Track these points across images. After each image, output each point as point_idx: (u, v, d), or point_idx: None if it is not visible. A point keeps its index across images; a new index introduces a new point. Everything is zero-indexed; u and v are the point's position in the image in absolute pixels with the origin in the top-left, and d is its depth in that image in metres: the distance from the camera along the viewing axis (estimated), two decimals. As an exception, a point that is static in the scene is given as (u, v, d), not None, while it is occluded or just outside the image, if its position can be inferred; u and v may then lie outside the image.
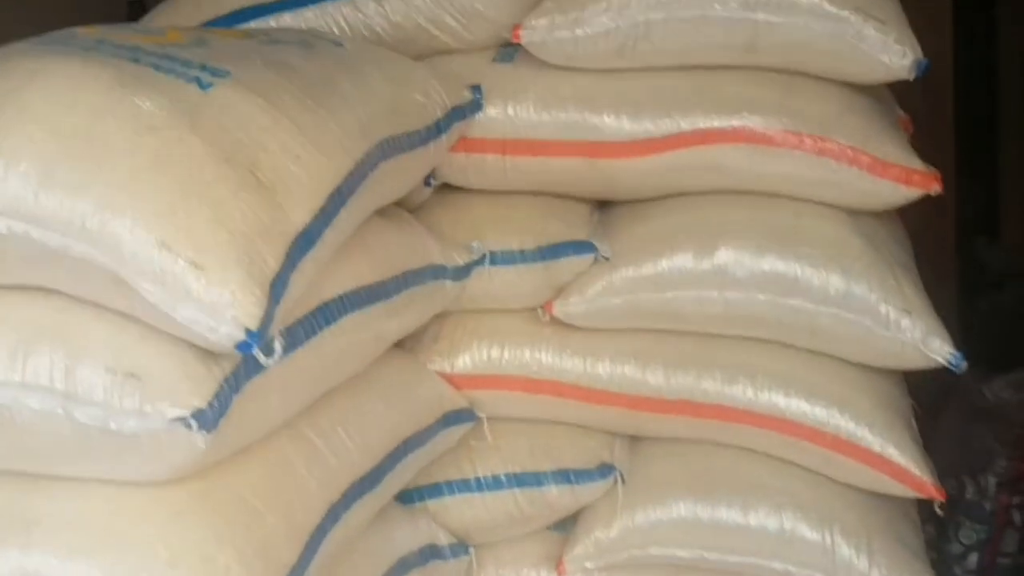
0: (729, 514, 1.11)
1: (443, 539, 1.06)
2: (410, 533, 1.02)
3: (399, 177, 0.97)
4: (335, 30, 1.18)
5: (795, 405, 1.07)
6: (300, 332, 0.79)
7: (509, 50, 1.20)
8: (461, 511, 1.10)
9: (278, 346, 0.71)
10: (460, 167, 1.19)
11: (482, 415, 1.10)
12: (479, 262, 1.11)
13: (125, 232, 0.67)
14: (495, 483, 1.12)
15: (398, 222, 1.04)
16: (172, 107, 0.72)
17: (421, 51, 1.21)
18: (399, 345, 1.19)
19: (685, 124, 1.10)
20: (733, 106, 1.12)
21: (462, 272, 1.10)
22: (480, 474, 1.11)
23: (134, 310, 0.70)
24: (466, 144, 1.15)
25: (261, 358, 0.68)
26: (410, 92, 0.98)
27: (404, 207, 1.19)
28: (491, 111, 1.11)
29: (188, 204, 0.68)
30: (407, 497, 1.07)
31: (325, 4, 1.17)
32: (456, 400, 1.10)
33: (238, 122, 0.75)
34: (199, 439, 0.67)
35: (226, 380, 0.70)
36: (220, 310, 0.66)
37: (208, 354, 0.70)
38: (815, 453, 1.13)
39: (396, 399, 1.00)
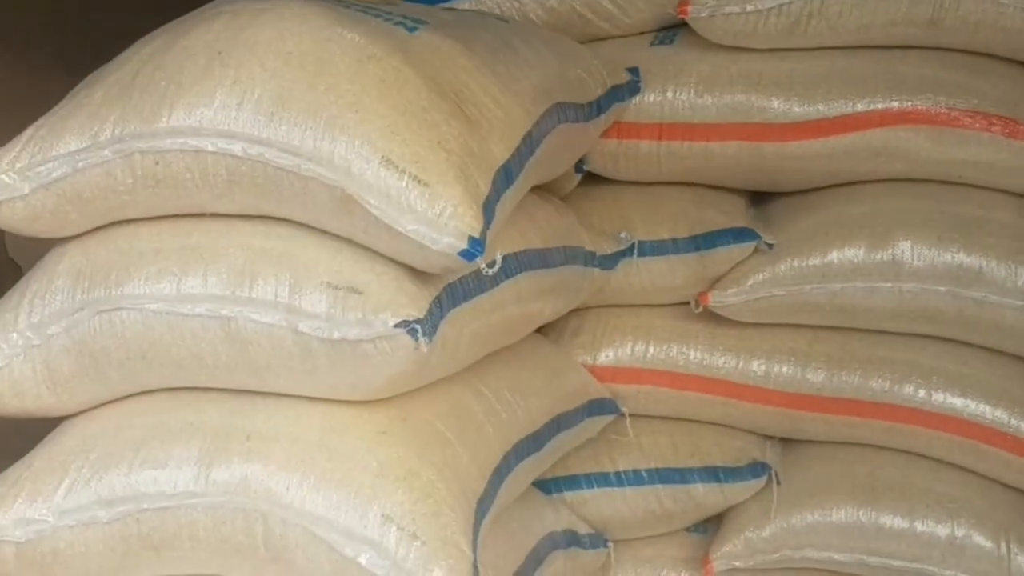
0: (895, 520, 1.03)
1: (582, 528, 1.04)
2: (553, 515, 1.01)
3: (565, 149, 0.96)
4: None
5: (973, 406, 1.00)
6: (489, 277, 0.80)
7: (668, 34, 1.14)
8: (599, 505, 1.07)
9: (498, 257, 0.73)
10: (612, 154, 1.13)
11: (624, 409, 1.06)
12: (627, 252, 1.08)
13: (353, 150, 0.70)
14: (635, 478, 1.08)
15: (555, 204, 1.03)
16: (386, 41, 0.76)
17: (575, 38, 1.17)
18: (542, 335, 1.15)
19: (861, 105, 1.02)
20: (914, 86, 1.03)
21: (609, 261, 1.09)
22: (620, 468, 1.08)
23: (355, 231, 0.73)
24: (620, 129, 1.09)
25: (483, 267, 0.70)
26: (574, 67, 0.97)
27: (553, 194, 1.15)
28: (649, 95, 1.06)
29: (409, 125, 0.71)
30: (545, 487, 1.04)
31: None
32: (600, 390, 1.08)
33: (443, 61, 0.78)
34: (422, 344, 0.70)
35: (437, 299, 0.74)
36: (443, 221, 0.69)
37: (421, 275, 0.73)
38: (992, 457, 1.03)
39: (548, 377, 1.01)
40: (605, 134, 1.12)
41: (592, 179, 1.18)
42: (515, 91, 0.82)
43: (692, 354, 1.12)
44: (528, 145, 0.81)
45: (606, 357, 1.13)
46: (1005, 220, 1.03)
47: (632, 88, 1.09)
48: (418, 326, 0.70)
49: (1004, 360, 1.00)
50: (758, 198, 1.18)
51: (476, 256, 0.69)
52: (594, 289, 1.11)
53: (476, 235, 0.68)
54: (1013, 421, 0.99)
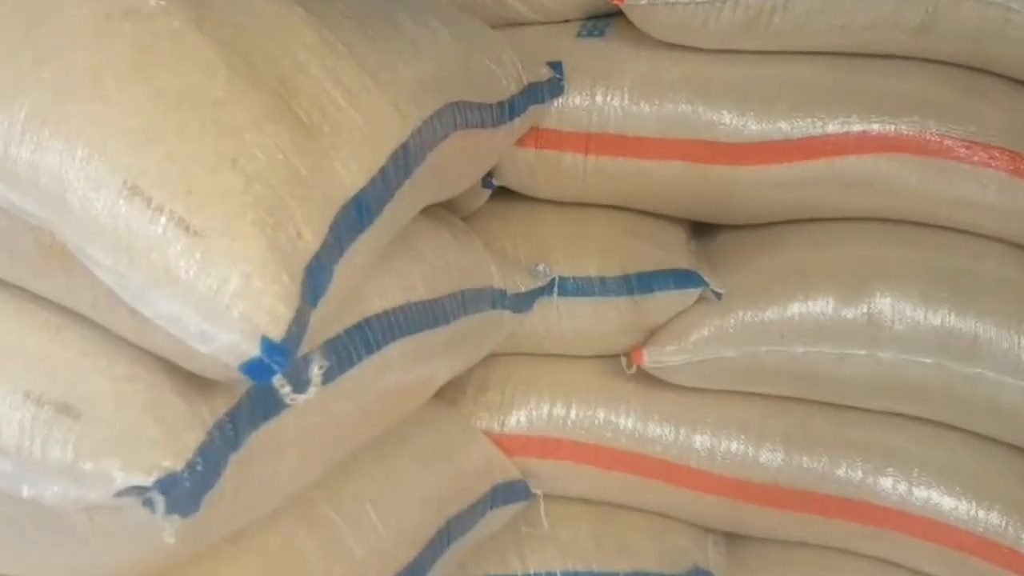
0: None
1: None
2: None
3: (465, 161, 0.75)
4: None
5: (962, 508, 0.87)
6: (333, 358, 0.56)
7: (599, 23, 0.96)
8: (504, 616, 0.91)
9: (316, 372, 0.47)
10: (528, 167, 0.93)
11: (537, 492, 0.91)
12: (545, 290, 0.93)
13: (73, 165, 0.43)
14: None
15: (453, 229, 0.83)
16: None
17: (488, 22, 0.95)
18: (436, 395, 0.93)
19: (833, 126, 0.86)
20: (899, 105, 0.85)
21: (523, 301, 0.91)
22: (531, 570, 0.92)
23: (80, 303, 0.46)
24: (538, 137, 0.92)
25: (287, 392, 0.44)
26: (481, 56, 0.78)
27: (455, 213, 0.94)
28: (574, 97, 0.88)
29: (181, 129, 0.44)
30: None
31: None
32: (507, 469, 0.92)
33: (270, 30, 0.52)
34: (167, 525, 0.42)
35: (219, 427, 0.47)
36: (223, 305, 0.42)
37: (192, 382, 0.46)
38: (984, 574, 0.87)
39: (438, 465, 0.81)
40: (520, 141, 0.93)
41: (505, 193, 1.00)
42: (386, 83, 0.58)
43: (622, 423, 0.95)
44: (402, 163, 0.57)
45: (516, 423, 0.95)
46: (1006, 277, 0.87)
47: (554, 87, 0.88)
48: (159, 493, 0.42)
49: (999, 451, 0.88)
50: (701, 228, 1.01)
51: (274, 370, 0.43)
52: (504, 335, 0.93)
53: (277, 336, 0.43)
54: (1011, 530, 0.82)
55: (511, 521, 0.93)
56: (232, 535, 0.54)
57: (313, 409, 0.53)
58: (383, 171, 0.54)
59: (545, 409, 0.95)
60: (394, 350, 0.63)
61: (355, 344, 0.58)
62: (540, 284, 0.93)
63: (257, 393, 0.48)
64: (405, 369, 0.65)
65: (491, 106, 0.75)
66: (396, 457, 0.73)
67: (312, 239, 0.47)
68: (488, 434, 0.95)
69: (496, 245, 0.96)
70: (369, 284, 0.61)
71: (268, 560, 0.56)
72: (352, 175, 0.51)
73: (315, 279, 0.46)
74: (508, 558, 0.93)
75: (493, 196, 1.01)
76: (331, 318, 0.54)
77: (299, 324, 0.44)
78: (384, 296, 0.63)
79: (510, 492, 0.88)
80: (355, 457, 0.67)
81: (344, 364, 0.57)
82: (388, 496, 0.68)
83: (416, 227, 0.72)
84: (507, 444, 0.95)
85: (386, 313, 0.62)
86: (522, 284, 0.92)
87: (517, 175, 0.96)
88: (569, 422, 0.95)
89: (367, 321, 0.60)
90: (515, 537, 0.94)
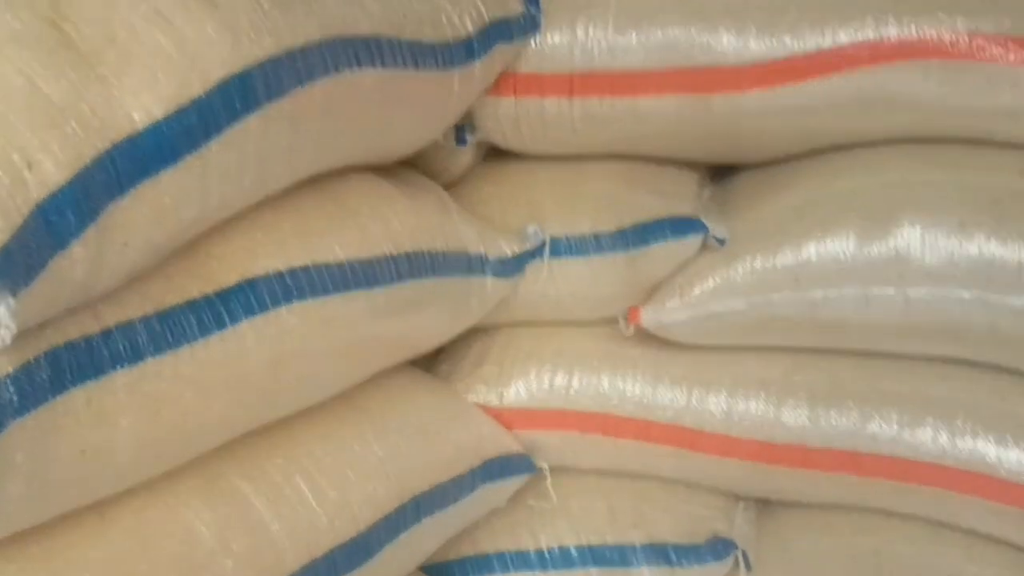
0: None
1: None
2: None
3: (397, 109, 0.69)
4: None
5: (1014, 458, 0.79)
6: (183, 323, 0.53)
7: (579, -51, 0.86)
8: (519, 595, 0.87)
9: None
10: (509, 118, 0.85)
11: (543, 465, 0.87)
12: (535, 253, 0.87)
13: None
14: (563, 559, 0.90)
15: (413, 188, 0.78)
16: None
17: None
18: (429, 370, 0.92)
19: (845, 34, 0.78)
20: (921, 2, 0.75)
21: (511, 266, 0.86)
22: (544, 545, 0.90)
23: None
24: (516, 83, 0.85)
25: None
26: None
27: (435, 179, 0.90)
28: (552, 34, 0.82)
29: None
30: (447, 571, 0.88)
31: None
32: (503, 443, 0.88)
33: None
34: None
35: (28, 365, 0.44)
36: None
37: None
38: None
39: (403, 439, 0.77)
40: (496, 90, 0.87)
41: (501, 155, 0.94)
42: (224, 5, 0.52)
43: (629, 389, 0.89)
44: (237, 96, 0.51)
45: (516, 395, 0.91)
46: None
47: (526, 23, 0.81)
48: None
49: (1056, 392, 0.76)
50: (720, 173, 0.94)
51: None
52: (491, 303, 0.88)
53: None
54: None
55: (519, 497, 0.90)
56: (98, 506, 0.52)
57: (152, 375, 0.51)
58: (197, 102, 0.49)
59: (546, 379, 0.90)
60: (289, 313, 0.59)
61: (215, 309, 0.55)
62: (529, 246, 0.87)
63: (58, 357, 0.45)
64: (316, 334, 0.61)
65: (434, 45, 0.70)
66: (351, 431, 0.71)
67: (55, 171, 0.42)
68: (486, 408, 0.91)
69: (484, 209, 0.90)
70: (256, 243, 0.59)
71: (144, 533, 0.55)
72: (143, 105, 0.47)
73: (56, 214, 0.42)
74: (519, 534, 0.89)
75: (488, 159, 0.96)
76: (158, 272, 0.51)
77: (11, 262, 0.40)
78: (277, 256, 0.60)
79: (507, 466, 0.84)
80: (289, 428, 0.65)
81: (204, 328, 0.53)
82: (328, 469, 0.66)
83: (350, 185, 0.68)
84: (508, 418, 0.91)
85: (278, 274, 0.59)
86: (508, 247, 0.87)
87: (499, 129, 0.89)
88: (572, 391, 0.90)
89: (249, 282, 0.57)
90: (526, 513, 0.90)
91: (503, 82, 0.87)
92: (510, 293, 0.89)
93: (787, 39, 0.79)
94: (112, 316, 0.50)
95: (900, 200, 0.79)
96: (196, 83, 0.49)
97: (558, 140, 0.90)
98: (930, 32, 0.76)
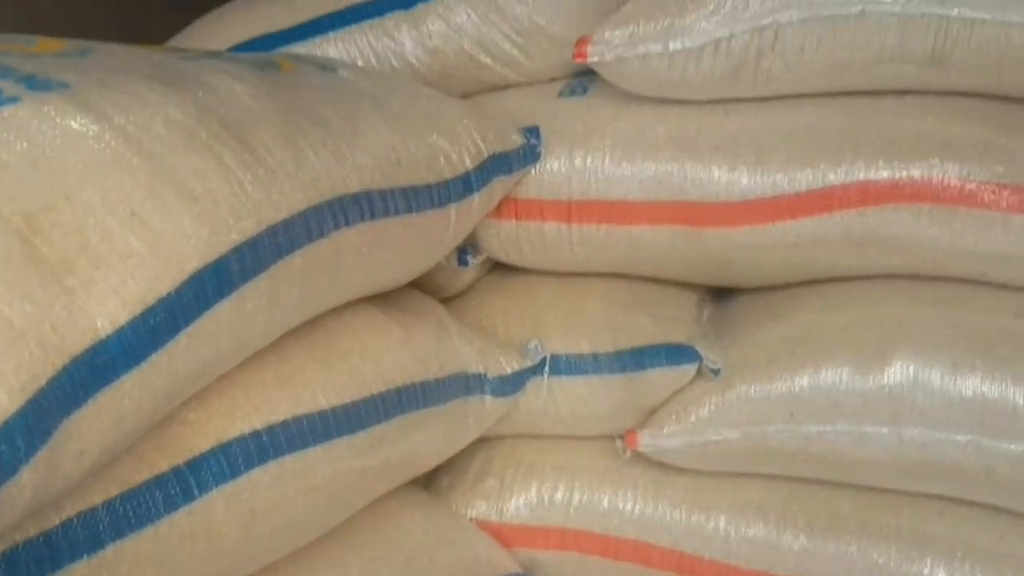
0: None
1: None
2: None
3: (394, 250, 0.71)
4: (359, 63, 0.92)
5: None
6: (149, 503, 0.52)
7: (582, 81, 0.92)
8: None
9: None
10: (511, 239, 0.89)
11: None
12: (535, 369, 0.89)
13: None
14: None
15: (410, 313, 0.79)
16: None
17: (467, 87, 0.94)
18: (426, 484, 0.93)
19: (835, 175, 0.80)
20: (912, 147, 0.77)
21: (511, 384, 0.88)
22: None
23: None
24: (517, 207, 0.89)
25: None
26: (423, 133, 0.75)
27: (437, 295, 0.93)
28: (552, 162, 0.86)
29: None
30: None
31: (343, 31, 0.92)
32: (500, 563, 0.88)
33: (30, 146, 0.49)
34: None
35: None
36: None
37: None
38: None
39: (393, 568, 0.77)
40: (498, 213, 0.91)
41: (506, 266, 0.97)
42: (203, 195, 0.53)
43: (631, 509, 0.90)
44: (211, 282, 0.52)
45: (516, 511, 0.92)
46: (1051, 337, 0.73)
47: (526, 155, 0.84)
48: None
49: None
50: (722, 291, 0.96)
51: None
52: (492, 420, 0.90)
53: None
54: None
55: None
56: None
57: (112, 561, 0.50)
58: (165, 300, 0.49)
59: (547, 495, 0.91)
60: (264, 473, 0.59)
61: (184, 481, 0.54)
62: (530, 363, 0.89)
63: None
64: (292, 487, 0.61)
65: (430, 186, 0.73)
66: (350, 558, 0.71)
67: (6, 400, 0.42)
68: (486, 524, 0.92)
69: (488, 322, 0.93)
70: (235, 404, 0.58)
71: None
72: (108, 313, 0.47)
73: (5, 443, 0.42)
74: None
75: (493, 269, 0.99)
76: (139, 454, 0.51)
77: None
78: (256, 414, 0.59)
79: None
80: (290, 561, 0.65)
81: (171, 503, 0.53)
82: None
83: (343, 322, 0.69)
84: (507, 535, 0.92)
85: (254, 433, 0.58)
86: (508, 365, 0.88)
87: (502, 248, 0.92)
88: (572, 509, 0.90)
89: (217, 449, 0.56)
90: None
91: (505, 206, 0.91)
92: (511, 408, 0.90)
93: (778, 177, 0.81)
94: (74, 506, 0.49)
95: (893, 338, 0.79)
96: (166, 281, 0.50)
97: (559, 260, 0.93)
98: (922, 177, 0.78)
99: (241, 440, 0.58)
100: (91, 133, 0.51)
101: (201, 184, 0.53)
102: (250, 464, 0.58)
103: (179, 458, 0.55)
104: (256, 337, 0.58)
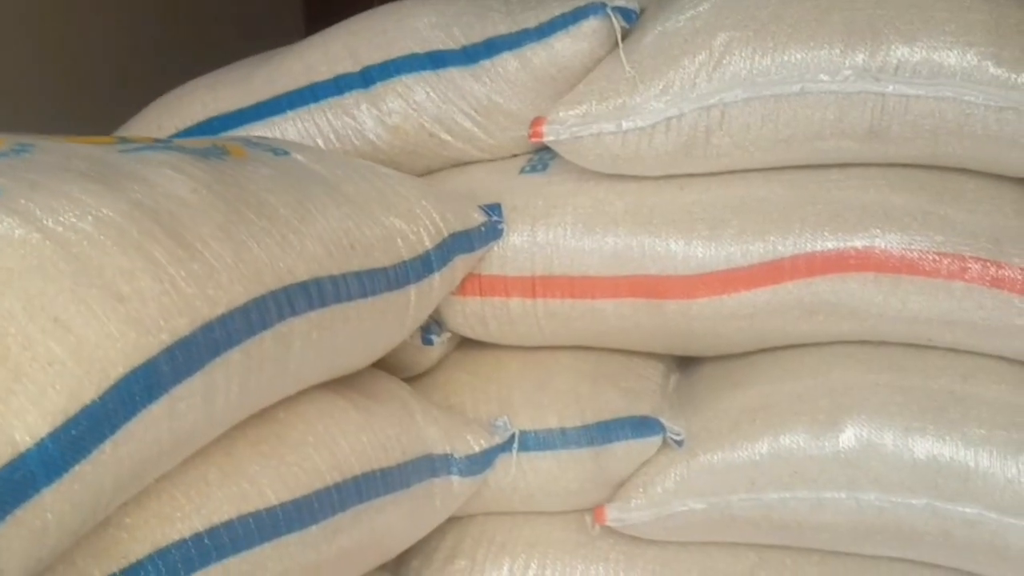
0: None
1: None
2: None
3: (344, 337, 0.70)
4: (319, 142, 0.95)
5: None
6: None
7: (543, 157, 0.96)
8: None
9: None
10: (477, 315, 0.92)
11: None
12: (504, 447, 0.89)
13: None
14: None
15: (371, 397, 0.78)
16: None
17: (430, 163, 0.98)
18: (395, 567, 0.92)
19: (784, 247, 0.84)
20: (857, 218, 0.82)
21: (478, 462, 0.87)
22: None
23: None
24: (481, 284, 0.91)
25: None
26: (379, 215, 0.76)
27: (401, 373, 0.94)
28: (514, 238, 0.88)
29: None
30: None
31: (302, 110, 0.95)
32: None
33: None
34: None
35: None
36: None
37: None
38: None
39: None
40: (463, 290, 0.93)
41: (473, 341, 0.98)
42: (130, 296, 0.51)
43: None
44: (141, 385, 0.50)
45: None
46: (1000, 399, 0.81)
47: (488, 233, 0.88)
48: None
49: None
50: (688, 359, 0.98)
51: None
52: (461, 500, 0.90)
53: None
54: None
55: None
56: None
57: None
58: (88, 409, 0.48)
59: (519, 574, 0.92)
60: (218, 569, 0.57)
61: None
62: (499, 440, 0.90)
63: None
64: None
65: (386, 269, 0.73)
66: None
67: None
68: (458, 610, 0.91)
69: (456, 400, 0.94)
70: (175, 506, 0.56)
71: None
72: (28, 425, 0.46)
73: None
74: None
75: (460, 345, 1.00)
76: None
77: None
78: (197, 516, 0.57)
79: None
80: None
81: None
82: None
83: (296, 411, 0.67)
84: (481, 617, 0.91)
85: (196, 536, 0.56)
86: (476, 443, 0.89)
87: (467, 324, 0.95)
88: (546, 587, 0.90)
89: (155, 555, 0.54)
90: None
91: (468, 283, 0.93)
92: (481, 486, 0.92)
93: (731, 250, 0.86)
94: None
95: (845, 405, 0.83)
96: (90, 388, 0.48)
97: (525, 335, 0.96)
98: (865, 247, 0.83)
99: (181, 544, 0.55)
100: (16, 237, 0.50)
101: (129, 284, 0.52)
102: (191, 569, 0.55)
103: (114, 566, 0.52)
104: (193, 437, 0.57)
